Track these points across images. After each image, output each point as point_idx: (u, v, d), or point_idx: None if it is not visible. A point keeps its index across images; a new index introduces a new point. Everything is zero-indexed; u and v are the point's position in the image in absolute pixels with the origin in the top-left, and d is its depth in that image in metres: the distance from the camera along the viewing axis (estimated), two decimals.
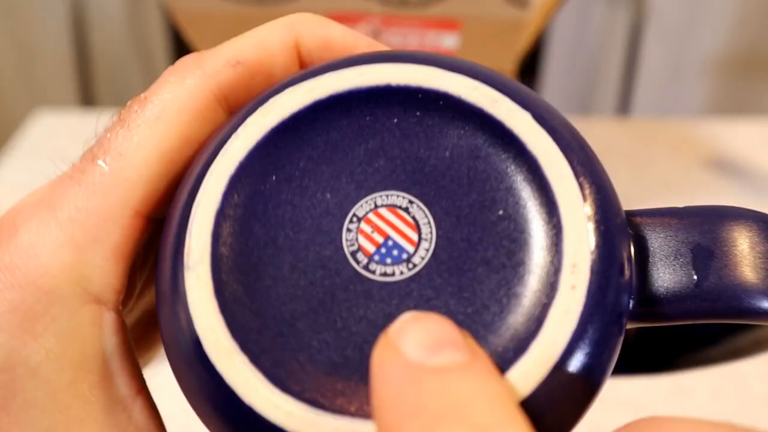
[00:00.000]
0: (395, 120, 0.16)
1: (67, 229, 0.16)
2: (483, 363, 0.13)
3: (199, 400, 0.15)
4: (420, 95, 0.16)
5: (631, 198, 0.64)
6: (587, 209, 0.15)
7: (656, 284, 0.15)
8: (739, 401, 0.46)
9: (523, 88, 0.16)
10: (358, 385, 0.14)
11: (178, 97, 0.17)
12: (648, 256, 0.16)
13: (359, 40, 0.18)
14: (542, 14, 0.47)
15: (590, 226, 0.14)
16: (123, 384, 0.16)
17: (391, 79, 0.16)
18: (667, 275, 0.15)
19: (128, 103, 0.18)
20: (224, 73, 0.17)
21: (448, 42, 0.46)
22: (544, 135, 0.15)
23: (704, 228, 0.16)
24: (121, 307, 0.17)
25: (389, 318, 0.15)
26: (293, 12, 0.18)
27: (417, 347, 0.13)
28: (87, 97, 1.33)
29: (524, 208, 0.15)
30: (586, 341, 0.14)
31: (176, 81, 0.17)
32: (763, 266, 0.15)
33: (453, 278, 0.15)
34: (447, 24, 0.45)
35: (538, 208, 0.15)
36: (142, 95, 0.17)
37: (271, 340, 0.15)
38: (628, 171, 0.67)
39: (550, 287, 0.14)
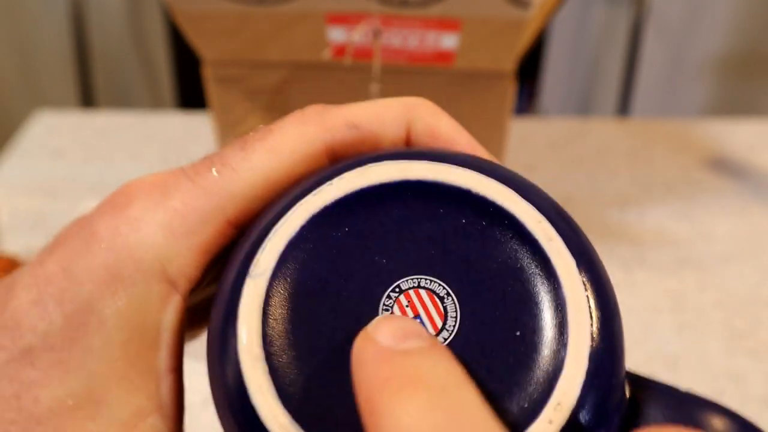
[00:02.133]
0: (462, 221, 0.18)
1: (169, 216, 0.19)
2: (442, 348, 0.15)
3: (221, 400, 0.17)
4: (491, 209, 0.18)
5: (630, 198, 0.64)
6: (590, 364, 0.16)
7: None
8: (739, 402, 0.47)
9: (578, 232, 0.18)
10: None
11: (295, 138, 0.20)
12: (633, 418, 0.17)
13: (462, 137, 0.21)
14: (542, 14, 0.47)
15: (586, 376, 0.16)
16: (164, 358, 0.18)
17: (471, 187, 0.18)
18: None
19: (254, 130, 0.20)
20: (340, 131, 0.20)
21: (448, 42, 0.46)
22: (579, 284, 0.17)
23: (689, 413, 0.18)
24: (188, 295, 0.19)
25: None
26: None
27: (389, 336, 0.15)
28: (87, 97, 1.33)
29: (539, 339, 0.17)
30: None
31: (299, 124, 0.20)
32: None
33: None
34: (447, 24, 0.45)
35: (550, 344, 0.17)
36: (268, 127, 0.20)
37: (293, 357, 0.17)
38: (628, 171, 0.68)
39: (532, 414, 0.16)
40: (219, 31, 0.46)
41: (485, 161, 0.19)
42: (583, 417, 0.16)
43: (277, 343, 0.17)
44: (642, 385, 0.18)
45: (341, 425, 0.16)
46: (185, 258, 0.19)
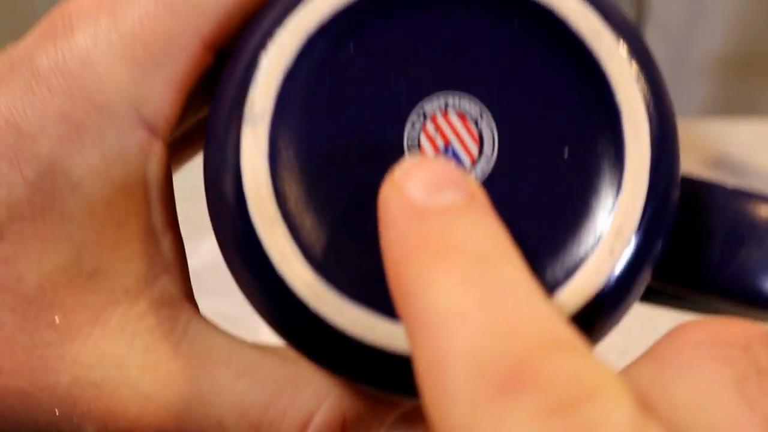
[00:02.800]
0: (488, 25, 0.15)
1: (128, 43, 0.15)
2: (481, 202, 0.13)
3: (236, 259, 0.15)
4: (522, 6, 0.15)
5: None
6: (651, 182, 0.15)
7: (683, 250, 0.16)
8: None
9: (629, 23, 0.16)
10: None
11: None
12: (686, 223, 0.16)
13: None
14: None
15: (647, 197, 0.15)
16: (157, 215, 0.16)
17: None
18: (696, 247, 0.16)
19: None
20: None
21: None
22: (635, 90, 0.15)
23: (741, 212, 0.17)
24: (168, 140, 0.16)
25: None
26: None
27: (419, 186, 0.13)
28: None
29: (590, 156, 0.15)
30: (621, 280, 0.15)
31: None
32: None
33: (502, 209, 0.14)
34: None
35: (604, 161, 0.15)
36: None
37: (312, 212, 0.15)
38: None
39: (591, 246, 0.14)
40: None
41: None
42: (644, 243, 0.15)
43: (293, 198, 0.15)
44: (689, 186, 0.17)
45: (372, 279, 0.14)
46: (159, 95, 0.15)
